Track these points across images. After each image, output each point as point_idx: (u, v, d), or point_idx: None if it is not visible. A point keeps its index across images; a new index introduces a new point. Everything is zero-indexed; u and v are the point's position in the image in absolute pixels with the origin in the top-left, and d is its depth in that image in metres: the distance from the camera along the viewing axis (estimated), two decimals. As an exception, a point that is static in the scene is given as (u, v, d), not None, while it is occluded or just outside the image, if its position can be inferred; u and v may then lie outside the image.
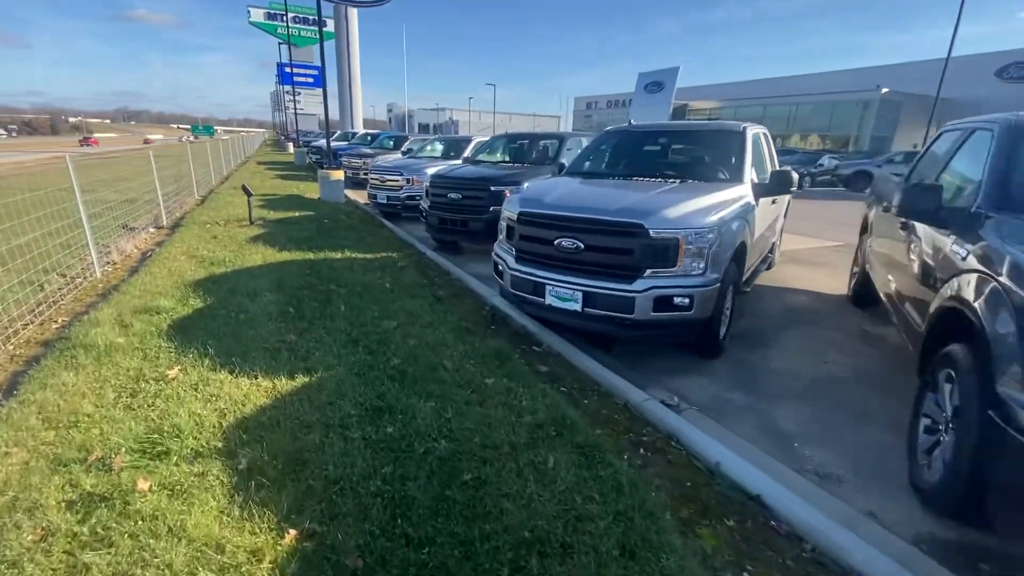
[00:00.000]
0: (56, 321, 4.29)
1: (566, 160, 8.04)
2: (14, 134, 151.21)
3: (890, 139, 30.83)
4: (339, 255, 6.61)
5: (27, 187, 5.59)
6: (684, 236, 3.36)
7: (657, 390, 3.38)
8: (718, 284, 3.47)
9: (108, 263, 6.13)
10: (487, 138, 11.96)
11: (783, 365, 3.95)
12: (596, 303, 3.52)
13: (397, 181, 10.35)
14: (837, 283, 6.26)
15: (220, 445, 2.41)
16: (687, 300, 3.37)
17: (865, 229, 5.62)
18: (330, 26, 47.62)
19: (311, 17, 47.44)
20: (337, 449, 2.38)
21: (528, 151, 8.62)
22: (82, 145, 72.93)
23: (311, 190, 14.31)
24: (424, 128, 70.33)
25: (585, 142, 8.89)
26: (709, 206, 3.59)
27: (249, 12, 44.33)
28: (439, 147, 12.43)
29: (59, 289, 4.96)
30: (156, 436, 2.44)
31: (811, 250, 8.44)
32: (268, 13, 44.89)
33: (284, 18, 43.02)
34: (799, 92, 34.52)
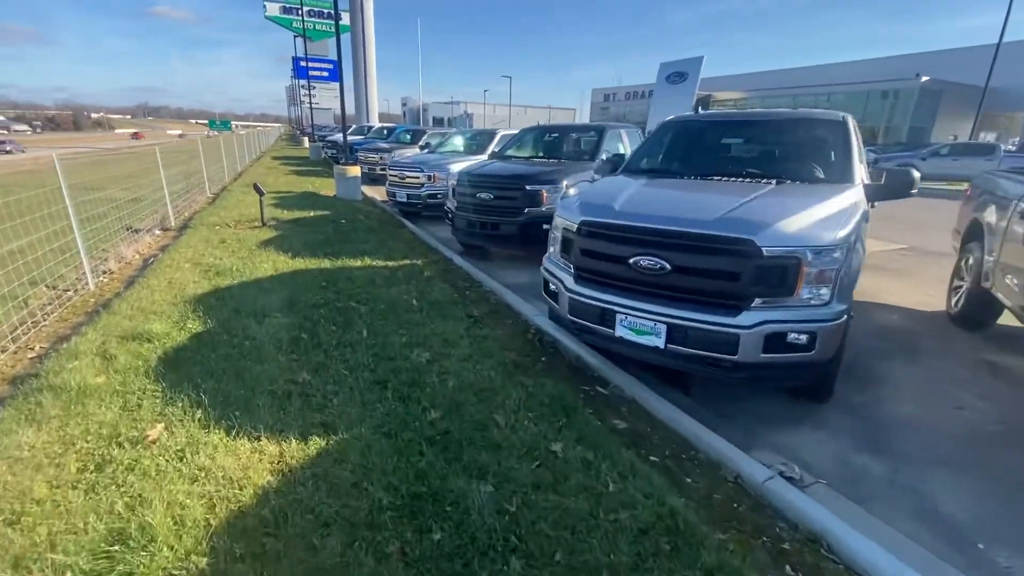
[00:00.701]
0: (33, 348, 3.67)
1: (606, 155, 7.28)
2: (38, 130, 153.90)
3: (929, 130, 29.34)
4: (358, 263, 5.94)
5: (38, 184, 5.03)
6: (805, 255, 2.60)
7: (764, 452, 2.64)
8: (845, 317, 2.71)
9: (105, 272, 5.54)
10: (514, 131, 11.22)
11: (908, 411, 3.18)
12: (686, 339, 2.78)
13: (418, 178, 9.67)
14: (923, 296, 5.45)
15: (204, 564, 1.73)
16: (807, 338, 2.62)
17: (973, 237, 4.78)
18: (345, 20, 47.23)
19: (326, 10, 47.12)
20: (367, 572, 1.68)
21: (563, 145, 7.84)
22: (133, 139, 75.96)
23: (326, 187, 13.72)
24: (438, 121, 69.71)
25: (626, 135, 8.12)
26: (831, 216, 2.81)
27: (265, 6, 44.14)
28: (461, 141, 11.69)
29: (45, 305, 4.35)
30: (118, 548, 1.77)
31: (878, 254, 7.56)
32: (284, 7, 44.66)
33: (299, 12, 42.73)
34: (830, 81, 33.05)
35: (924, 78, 27.76)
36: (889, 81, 29.22)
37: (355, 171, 12.16)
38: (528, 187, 6.12)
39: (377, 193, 13.66)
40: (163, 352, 3.38)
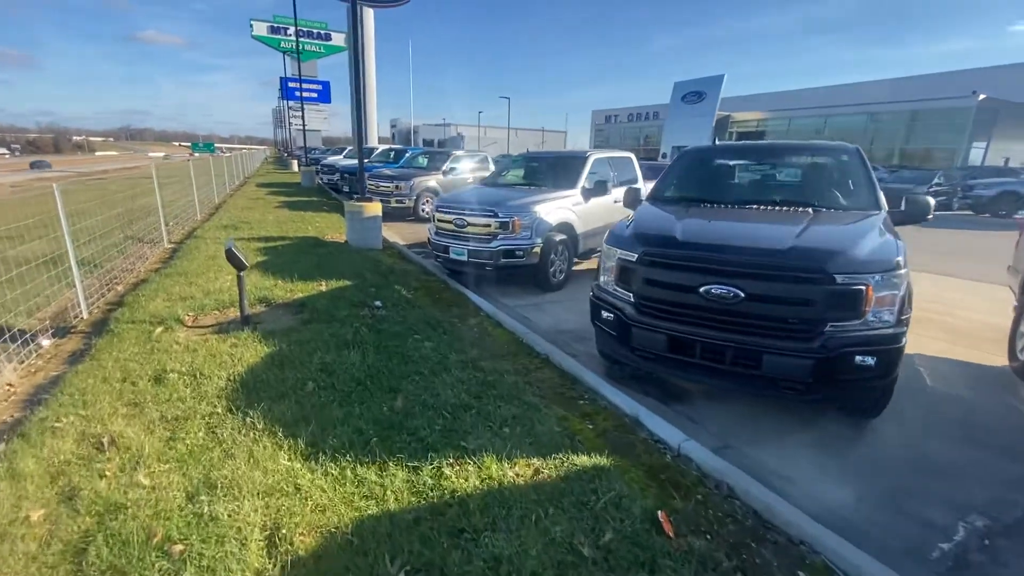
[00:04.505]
0: None
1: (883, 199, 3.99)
2: (17, 153, 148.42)
3: (983, 152, 26.97)
4: (472, 477, 2.45)
5: None
6: None
7: None
8: None
9: None
10: (606, 153, 7.93)
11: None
12: None
13: (488, 226, 6.29)
14: None
15: None
16: None
17: None
18: (339, 40, 44.81)
19: (315, 31, 44.90)
20: None
21: (801, 183, 4.48)
22: (164, 159, 72.13)
23: (331, 227, 10.27)
24: (428, 143, 67.17)
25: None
26: None
27: (252, 26, 41.75)
28: (525, 170, 8.32)
29: None
30: None
31: None
32: (271, 27, 42.34)
33: (288, 32, 40.32)
34: (866, 100, 30.69)
35: (981, 96, 25.36)
36: (941, 100, 26.78)
37: (374, 209, 8.77)
38: (841, 278, 2.76)
39: (396, 234, 10.27)
40: None
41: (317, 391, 3.24)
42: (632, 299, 3.39)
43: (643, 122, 52.85)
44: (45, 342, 4.06)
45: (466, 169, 14.30)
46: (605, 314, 3.61)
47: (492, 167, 15.04)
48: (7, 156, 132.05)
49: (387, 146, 23.42)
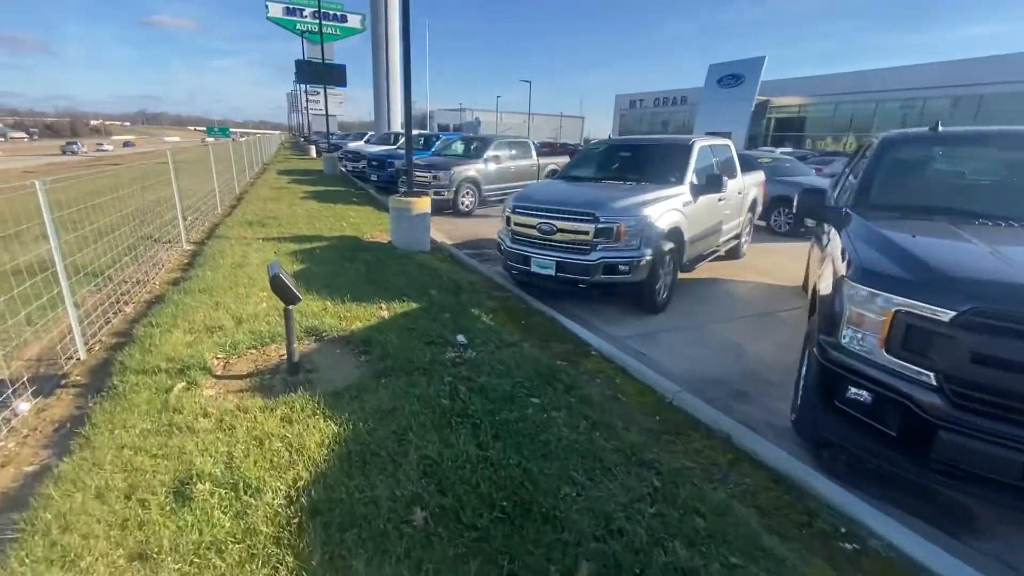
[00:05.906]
0: None
1: None
2: (35, 137, 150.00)
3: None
4: None
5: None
6: None
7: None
8: None
9: None
10: (717, 141, 6.55)
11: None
12: None
13: (583, 233, 4.99)
14: None
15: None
16: None
17: None
18: (353, 22, 43.37)
19: (331, 12, 43.34)
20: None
21: None
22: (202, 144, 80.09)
23: (367, 223, 9.04)
24: (444, 128, 65.80)
25: None
26: None
27: (267, 7, 40.17)
28: (604, 159, 6.94)
29: None
30: None
31: None
32: (287, 8, 40.73)
33: (304, 13, 39.00)
34: (922, 85, 28.53)
35: (1054, 80, 23.25)
36: (1007, 83, 24.66)
37: (423, 206, 7.51)
38: None
39: (439, 231, 9.01)
40: None
41: (433, 529, 2.00)
42: (935, 382, 2.08)
43: (671, 107, 50.71)
44: (23, 407, 2.87)
45: (509, 157, 12.99)
46: (857, 394, 2.33)
47: (535, 155, 13.74)
48: (25, 140, 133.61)
49: (417, 131, 21.97)
